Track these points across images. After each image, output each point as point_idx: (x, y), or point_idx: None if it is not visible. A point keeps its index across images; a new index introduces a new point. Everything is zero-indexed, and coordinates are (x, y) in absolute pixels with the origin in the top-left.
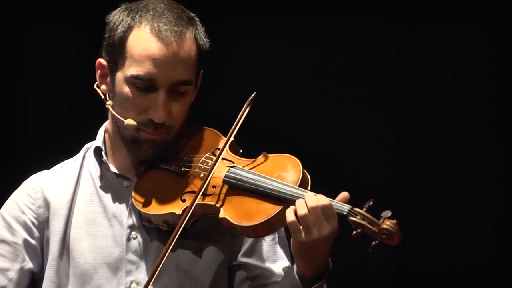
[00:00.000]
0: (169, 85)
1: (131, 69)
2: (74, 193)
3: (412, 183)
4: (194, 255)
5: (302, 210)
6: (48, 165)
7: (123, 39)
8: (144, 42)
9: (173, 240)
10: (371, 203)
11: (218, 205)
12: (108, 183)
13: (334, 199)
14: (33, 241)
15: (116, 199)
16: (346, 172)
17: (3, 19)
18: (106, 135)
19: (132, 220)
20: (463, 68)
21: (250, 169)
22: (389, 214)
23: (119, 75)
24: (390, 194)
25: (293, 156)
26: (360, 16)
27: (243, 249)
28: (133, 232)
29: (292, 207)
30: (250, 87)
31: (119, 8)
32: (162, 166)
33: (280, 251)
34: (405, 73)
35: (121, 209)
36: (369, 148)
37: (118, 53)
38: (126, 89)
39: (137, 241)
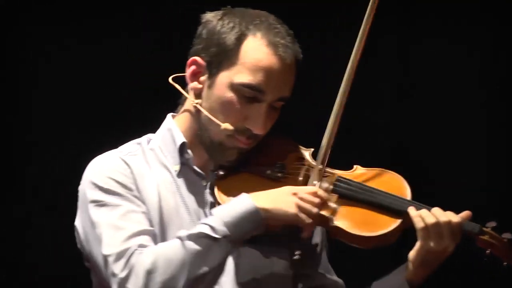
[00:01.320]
0: (274, 99)
1: (241, 76)
2: (156, 183)
3: None
4: (266, 259)
5: (433, 222)
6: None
7: (235, 45)
8: (260, 53)
9: None
10: (495, 224)
11: (328, 214)
12: (186, 179)
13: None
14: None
15: (194, 196)
16: None
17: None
18: (184, 131)
19: None
20: (463, 71)
21: (356, 181)
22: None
23: (223, 79)
24: None
25: (391, 171)
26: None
27: (310, 261)
28: None
29: (422, 217)
30: None
31: (223, 11)
32: (247, 169)
33: (331, 267)
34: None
35: (198, 207)
36: None
37: (225, 57)
38: (229, 94)
39: None
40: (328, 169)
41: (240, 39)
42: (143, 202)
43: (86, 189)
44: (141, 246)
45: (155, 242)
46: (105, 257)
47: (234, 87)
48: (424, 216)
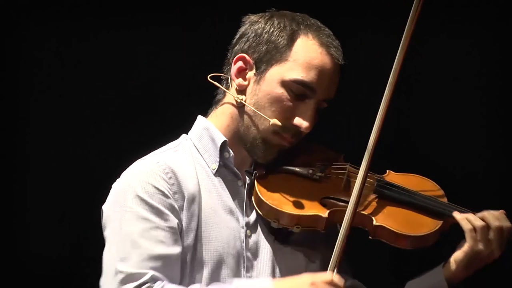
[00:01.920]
0: (322, 98)
1: (293, 73)
2: (198, 182)
3: None
4: (293, 261)
5: (483, 225)
6: None
7: (288, 42)
8: (313, 52)
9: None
10: None
11: (370, 215)
12: (223, 178)
13: None
14: (180, 224)
15: (231, 195)
16: None
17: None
18: (222, 130)
19: (248, 218)
20: (463, 69)
21: (395, 183)
22: None
23: (273, 75)
24: None
25: (420, 175)
26: (360, 16)
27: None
28: (248, 231)
29: (470, 220)
30: None
31: (270, 13)
32: (287, 169)
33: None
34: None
35: (235, 206)
36: None
37: (276, 54)
38: (280, 90)
39: (252, 240)
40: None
41: (292, 37)
42: (182, 206)
43: (126, 191)
44: (154, 278)
45: (172, 266)
46: (117, 272)
47: (284, 83)
48: (471, 219)
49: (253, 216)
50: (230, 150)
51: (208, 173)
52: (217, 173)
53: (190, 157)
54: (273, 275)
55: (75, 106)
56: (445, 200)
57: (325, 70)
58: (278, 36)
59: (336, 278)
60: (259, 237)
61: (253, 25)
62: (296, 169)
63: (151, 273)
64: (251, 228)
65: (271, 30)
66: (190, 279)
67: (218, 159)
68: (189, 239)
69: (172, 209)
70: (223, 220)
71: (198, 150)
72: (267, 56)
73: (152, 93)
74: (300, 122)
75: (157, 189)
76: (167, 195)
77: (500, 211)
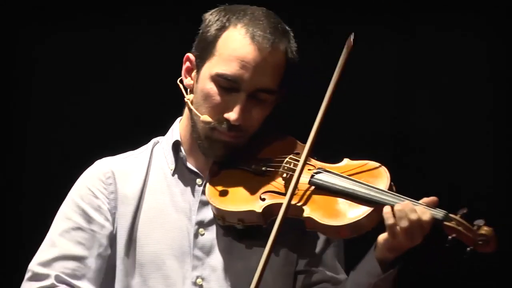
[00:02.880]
0: (251, 89)
1: (218, 67)
2: (144, 184)
3: None
4: (251, 257)
5: (400, 216)
6: None
7: (216, 37)
8: (236, 43)
9: (274, 240)
10: (465, 211)
11: (302, 206)
12: (180, 178)
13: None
14: (110, 227)
15: (187, 194)
16: None
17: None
18: (181, 131)
19: (201, 216)
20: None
21: (336, 172)
22: (483, 222)
23: (205, 71)
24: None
25: (377, 163)
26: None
27: (310, 258)
28: (201, 229)
29: (389, 209)
30: None
31: (218, 8)
32: (238, 165)
33: (339, 266)
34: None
35: (190, 205)
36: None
37: (207, 50)
38: (209, 86)
39: (204, 238)
40: (314, 162)
41: (220, 31)
42: (115, 207)
43: (69, 193)
44: (60, 279)
45: (89, 267)
46: (28, 269)
47: (213, 78)
48: (392, 210)
49: (210, 214)
50: (183, 149)
51: (166, 174)
52: (175, 173)
53: (147, 161)
54: (227, 272)
55: (75, 105)
56: (386, 187)
57: (249, 60)
58: (209, 32)
59: None
60: (215, 235)
61: (203, 22)
62: (241, 164)
63: (54, 274)
64: (205, 226)
65: (207, 28)
66: (124, 282)
67: (173, 160)
68: (122, 241)
69: (100, 210)
70: (171, 221)
71: (164, 152)
72: (203, 53)
73: (156, 92)
74: (229, 115)
75: (90, 190)
76: (97, 196)
77: (431, 198)
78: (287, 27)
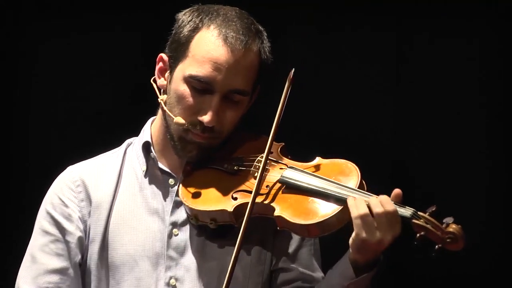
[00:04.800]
0: (225, 91)
1: (190, 69)
2: (116, 187)
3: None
4: (224, 256)
5: (366, 213)
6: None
7: (189, 38)
8: (209, 44)
9: (242, 239)
10: (434, 208)
11: (273, 204)
12: (153, 179)
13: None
14: (81, 234)
15: (160, 195)
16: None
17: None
18: (154, 131)
19: (175, 217)
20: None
21: (307, 171)
22: (452, 220)
23: (178, 72)
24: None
25: (349, 161)
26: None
27: (285, 256)
28: (175, 230)
29: (356, 207)
30: None
31: (191, 8)
32: (211, 165)
33: (315, 264)
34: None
35: (163, 206)
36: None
37: (181, 51)
38: (182, 87)
39: (178, 238)
40: (286, 161)
41: (193, 32)
42: (88, 214)
43: (43, 202)
44: None
45: (71, 277)
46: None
47: (186, 80)
48: (357, 205)
49: (183, 214)
50: (153, 150)
51: (138, 175)
52: (148, 174)
53: (120, 162)
54: (201, 271)
55: (75, 104)
56: (356, 185)
57: (222, 62)
58: (182, 33)
59: None
60: (189, 235)
61: (176, 22)
62: (214, 164)
63: None
64: (179, 226)
65: (180, 28)
66: (98, 285)
67: (144, 160)
68: (95, 246)
69: (70, 219)
70: (143, 222)
71: (136, 153)
72: (176, 54)
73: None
74: (202, 117)
75: (60, 199)
76: (67, 204)
77: (395, 191)
78: (260, 27)
